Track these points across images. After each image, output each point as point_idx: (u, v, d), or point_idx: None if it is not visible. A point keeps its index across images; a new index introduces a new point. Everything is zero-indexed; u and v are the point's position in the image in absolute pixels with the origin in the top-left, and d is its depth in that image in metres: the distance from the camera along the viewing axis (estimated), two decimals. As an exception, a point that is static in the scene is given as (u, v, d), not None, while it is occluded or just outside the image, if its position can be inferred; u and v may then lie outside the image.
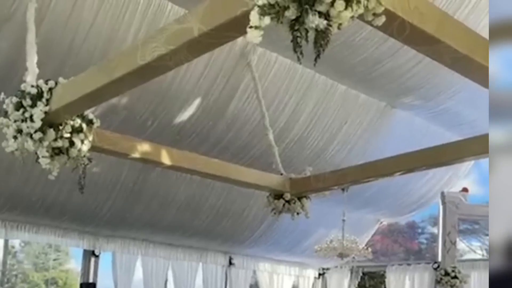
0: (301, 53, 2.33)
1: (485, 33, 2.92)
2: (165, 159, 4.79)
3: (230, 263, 11.10)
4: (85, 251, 9.48)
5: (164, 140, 6.30)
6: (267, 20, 2.27)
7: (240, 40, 6.39)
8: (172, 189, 8.59)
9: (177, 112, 7.01)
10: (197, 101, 6.96)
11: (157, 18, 5.71)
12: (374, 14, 2.28)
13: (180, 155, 4.96)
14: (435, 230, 13.13)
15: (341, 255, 9.85)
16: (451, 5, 5.42)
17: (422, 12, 2.43)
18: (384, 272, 12.44)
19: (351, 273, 12.77)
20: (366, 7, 2.22)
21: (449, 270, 8.79)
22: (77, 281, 10.71)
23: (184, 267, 10.51)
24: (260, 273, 11.85)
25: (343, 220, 9.69)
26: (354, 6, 2.20)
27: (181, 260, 10.41)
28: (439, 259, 10.32)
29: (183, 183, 8.56)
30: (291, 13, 2.26)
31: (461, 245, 14.97)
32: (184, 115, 7.10)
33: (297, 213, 5.90)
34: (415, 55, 6.18)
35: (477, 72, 2.91)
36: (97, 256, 9.50)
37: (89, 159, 4.20)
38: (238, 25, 2.42)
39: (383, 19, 2.28)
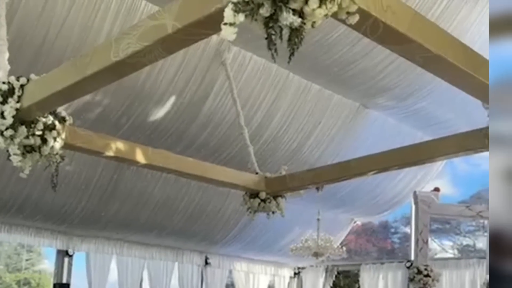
0: (276, 51, 2.33)
1: (456, 33, 2.96)
2: (140, 157, 4.74)
3: (206, 263, 11.06)
4: (58, 251, 9.35)
5: (139, 139, 6.26)
6: (241, 17, 2.27)
7: (214, 38, 6.39)
8: (147, 188, 8.53)
9: (151, 111, 6.97)
10: (172, 100, 6.93)
11: (131, 15, 5.67)
12: (347, 13, 2.29)
13: (155, 154, 4.91)
14: (407, 229, 13.31)
15: (316, 254, 9.91)
16: (424, 5, 5.49)
17: (395, 11, 2.44)
18: (358, 271, 12.55)
19: (326, 272, 12.86)
20: (339, 5, 2.22)
21: (422, 268, 8.88)
22: (50, 282, 10.55)
23: (159, 267, 10.44)
24: (236, 273, 11.85)
25: (318, 220, 9.76)
26: (328, 4, 2.20)
27: (156, 259, 10.34)
28: (412, 257, 10.45)
29: (159, 182, 8.51)
30: (265, 11, 2.25)
31: (433, 244, 15.21)
32: (159, 114, 7.06)
33: (273, 212, 5.90)
34: (388, 55, 6.25)
35: (448, 71, 2.94)
36: (70, 256, 9.39)
37: (62, 157, 4.13)
38: (213, 22, 2.40)
39: (356, 17, 2.29)
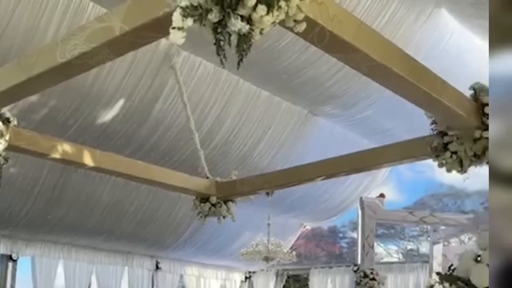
0: (224, 56, 2.32)
1: (401, 44, 3.03)
2: (88, 160, 4.64)
3: (157, 267, 10.92)
4: (1, 255, 9.03)
5: (87, 141, 6.13)
6: (189, 21, 2.25)
7: (164, 42, 6.34)
8: (96, 192, 8.36)
9: (100, 113, 6.84)
10: (120, 102, 6.82)
11: (78, 16, 5.56)
12: (295, 21, 2.31)
13: (103, 156, 4.81)
14: (355, 234, 13.55)
15: (267, 259, 9.94)
16: (369, 16, 5.60)
17: (341, 20, 2.48)
18: (308, 275, 12.67)
19: (277, 276, 12.92)
20: (287, 13, 2.24)
21: (368, 272, 9.05)
22: (-7, 287, 10.18)
23: (108, 272, 10.22)
24: (187, 277, 11.75)
25: (268, 224, 9.78)
26: (275, 12, 2.22)
27: (105, 264, 10.13)
28: (359, 262, 10.62)
29: (107, 186, 8.35)
30: (213, 16, 2.25)
31: (379, 248, 15.55)
32: (108, 116, 6.93)
33: (223, 217, 5.89)
34: (336, 63, 6.35)
35: (393, 81, 3.01)
36: (15, 261, 9.07)
37: (6, 159, 4.00)
38: (161, 26, 2.38)
39: (303, 26, 2.31)
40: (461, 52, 7.22)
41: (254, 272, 13.00)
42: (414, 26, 6.24)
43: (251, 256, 9.98)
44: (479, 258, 3.31)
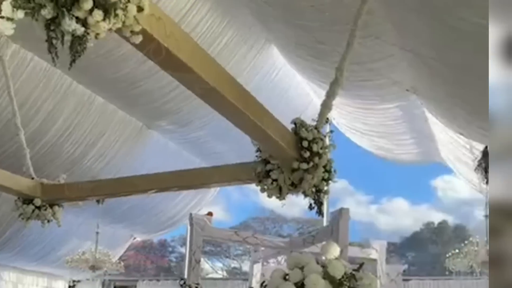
0: (56, 55, 2.21)
1: (233, 73, 3.13)
2: None
3: (-33, 271, 9.87)
4: None
5: None
6: (20, 13, 2.11)
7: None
8: None
9: None
10: None
11: None
12: (132, 32, 2.27)
13: None
14: (183, 249, 13.59)
15: (93, 268, 9.53)
16: (205, 40, 5.71)
17: (178, 39, 2.49)
18: (135, 286, 12.41)
19: (103, 286, 12.50)
20: (124, 23, 2.20)
21: (193, 286, 9.11)
22: None
23: None
24: (3, 283, 10.77)
25: (97, 233, 9.42)
26: (112, 19, 2.17)
27: None
28: (186, 276, 10.66)
29: None
30: (47, 12, 2.13)
31: (206, 265, 15.77)
32: None
33: (48, 221, 5.50)
34: (173, 80, 6.35)
35: (223, 106, 3.07)
36: None
37: None
38: (-11, 13, 2.18)
39: (140, 38, 2.28)
40: (288, 87, 7.70)
41: (78, 281, 12.37)
42: (246, 57, 6.51)
43: (76, 264, 9.51)
44: (287, 277, 3.49)
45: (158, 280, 12.64)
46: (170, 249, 16.75)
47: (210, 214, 9.23)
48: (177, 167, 4.95)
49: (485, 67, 5.58)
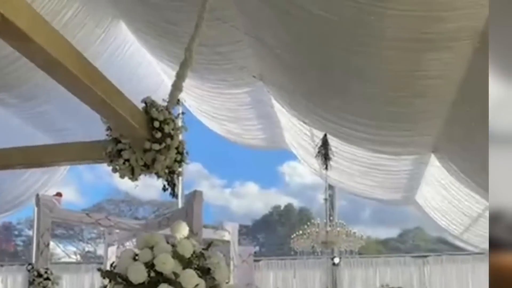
0: None
1: (80, 47, 2.95)
2: None
3: None
4: None
5: None
6: None
7: None
8: None
9: None
10: None
11: None
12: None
13: None
14: (31, 232, 12.74)
15: None
16: (49, 12, 5.32)
17: (16, 6, 2.29)
18: (-26, 273, 11.35)
19: None
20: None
21: (42, 271, 8.58)
22: None
23: None
24: None
25: None
26: None
27: None
28: (34, 261, 10.01)
29: None
30: None
31: (58, 249, 14.96)
32: None
33: None
34: (14, 51, 5.87)
35: (68, 80, 2.89)
36: None
37: None
38: None
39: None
40: (138, 65, 7.52)
41: None
42: (94, 32, 6.21)
43: None
44: (136, 257, 3.41)
45: (1, 266, 11.69)
46: (16, 232, 15.58)
47: (59, 194, 8.72)
48: (21, 143, 4.57)
49: (328, 58, 5.97)
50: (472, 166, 7.79)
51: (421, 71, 5.54)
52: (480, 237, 10.59)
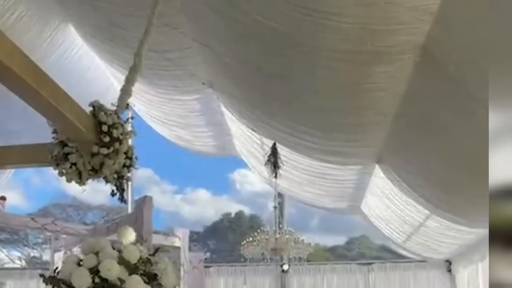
0: None
1: (26, 50, 2.90)
2: None
3: None
4: None
5: None
6: None
7: None
8: None
9: None
10: None
11: None
12: None
13: None
14: (-27, 237, 12.25)
15: None
16: None
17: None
18: None
19: None
20: None
21: (-18, 277, 8.24)
22: None
23: None
24: None
25: None
26: None
27: None
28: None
29: None
30: None
31: (1, 254, 14.38)
32: None
33: None
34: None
35: (13, 82, 2.84)
36: None
37: None
38: None
39: None
40: (87, 69, 7.38)
41: None
42: (41, 35, 6.08)
43: None
44: (81, 262, 3.36)
45: None
46: (-43, 237, 14.91)
47: (2, 198, 8.43)
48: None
49: (275, 68, 6.04)
50: (415, 177, 8.06)
51: (367, 84, 5.71)
52: (420, 246, 10.93)
